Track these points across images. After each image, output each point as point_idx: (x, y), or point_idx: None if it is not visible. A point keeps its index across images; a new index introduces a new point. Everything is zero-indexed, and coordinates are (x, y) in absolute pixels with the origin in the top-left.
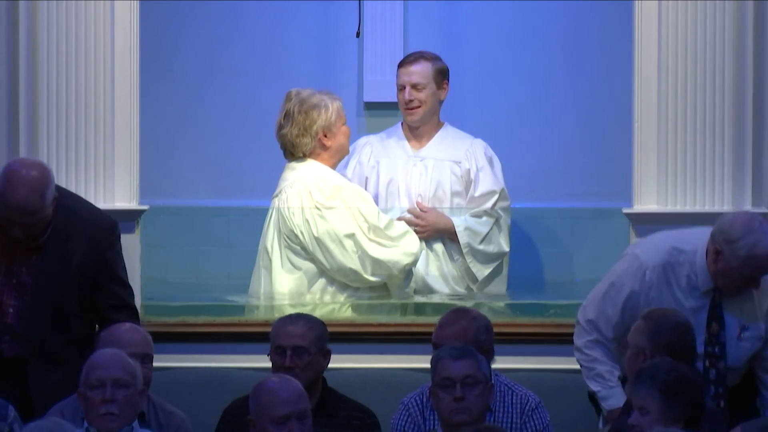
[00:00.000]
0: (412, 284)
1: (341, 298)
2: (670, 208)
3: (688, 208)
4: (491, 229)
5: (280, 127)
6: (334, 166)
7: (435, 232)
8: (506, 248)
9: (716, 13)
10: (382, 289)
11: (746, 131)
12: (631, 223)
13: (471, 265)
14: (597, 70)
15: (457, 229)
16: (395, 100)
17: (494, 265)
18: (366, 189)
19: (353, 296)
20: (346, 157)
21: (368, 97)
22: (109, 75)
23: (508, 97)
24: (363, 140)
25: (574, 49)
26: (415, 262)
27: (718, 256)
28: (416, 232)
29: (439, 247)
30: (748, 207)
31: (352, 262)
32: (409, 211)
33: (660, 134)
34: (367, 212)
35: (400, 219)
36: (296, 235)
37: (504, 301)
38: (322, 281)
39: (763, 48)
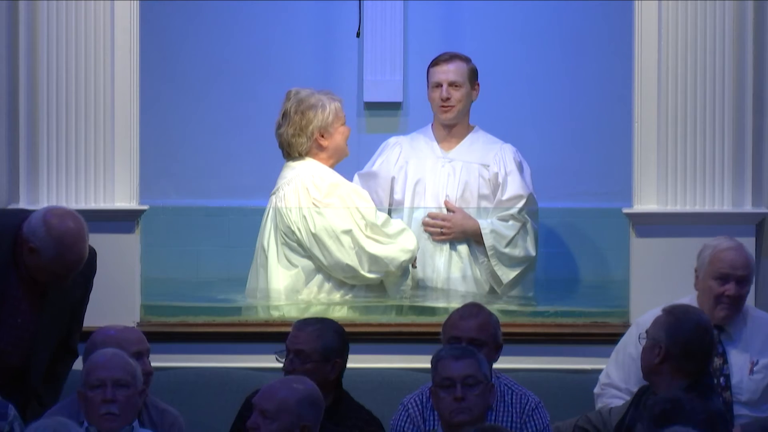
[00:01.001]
0: (408, 282)
1: (337, 295)
2: (670, 208)
3: (688, 208)
4: (517, 233)
5: (278, 126)
6: (332, 167)
7: (461, 233)
8: (533, 252)
9: (716, 13)
10: (378, 287)
11: (746, 131)
12: (631, 223)
13: (496, 268)
14: (597, 70)
15: (482, 231)
16: (395, 100)
17: (520, 269)
18: (393, 189)
19: (349, 293)
20: (375, 156)
21: (368, 97)
22: (109, 75)
23: (508, 97)
24: (393, 140)
25: (574, 49)
26: (411, 260)
27: (696, 275)
28: (442, 233)
29: (463, 248)
30: (748, 207)
31: (349, 259)
32: (430, 215)
33: (660, 134)
34: (365, 209)
35: (430, 215)
36: (293, 232)
37: (507, 307)
38: (318, 278)
39: (763, 48)
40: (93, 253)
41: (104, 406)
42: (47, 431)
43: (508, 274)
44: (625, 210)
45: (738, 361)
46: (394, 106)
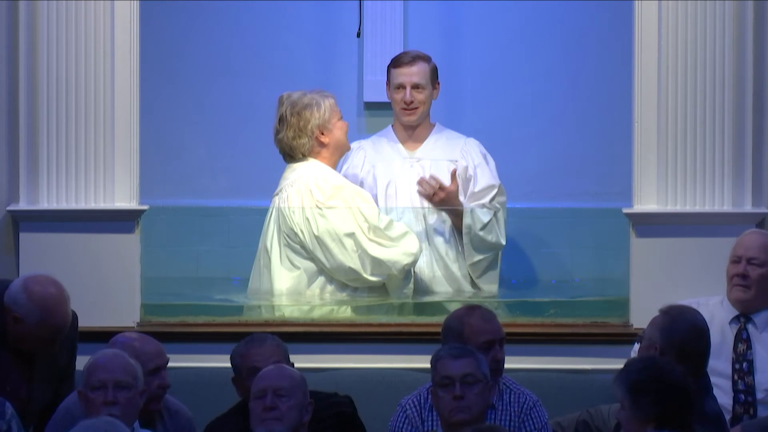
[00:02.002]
0: (411, 285)
1: (340, 297)
2: (670, 208)
3: (688, 208)
4: (491, 219)
5: (277, 132)
6: (335, 164)
7: (445, 203)
8: (503, 241)
9: (716, 13)
10: (380, 289)
11: (746, 131)
12: (631, 223)
13: (466, 248)
14: (597, 70)
15: (464, 210)
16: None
17: (488, 255)
18: None
19: (352, 296)
20: (339, 161)
21: (368, 97)
22: (109, 75)
23: (508, 97)
24: (355, 144)
25: (573, 48)
26: (414, 262)
27: (727, 267)
28: (433, 195)
29: (442, 248)
30: (748, 207)
31: (352, 262)
32: (433, 176)
33: (660, 134)
34: (368, 212)
35: (431, 177)
36: (296, 234)
37: (504, 300)
38: (320, 280)
39: (763, 48)
40: (75, 317)
41: (105, 408)
42: (98, 431)
43: (474, 256)
44: (625, 210)
45: (761, 351)
46: None
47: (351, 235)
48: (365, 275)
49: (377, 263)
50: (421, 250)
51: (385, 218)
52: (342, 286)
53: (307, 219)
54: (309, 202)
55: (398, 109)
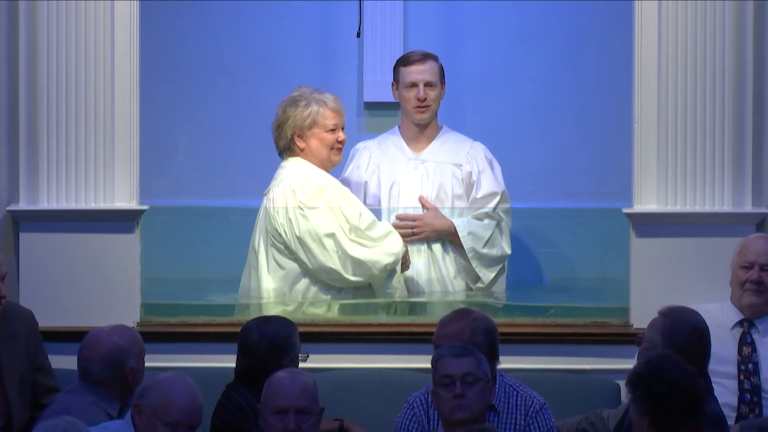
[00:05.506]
0: (396, 284)
1: (325, 298)
2: (670, 208)
3: (688, 208)
4: (493, 232)
5: None
6: (326, 168)
7: (433, 232)
8: (508, 251)
9: (716, 13)
10: (365, 289)
11: (746, 131)
12: (632, 223)
13: (477, 270)
14: (597, 71)
15: (460, 234)
16: (395, 100)
17: (498, 267)
18: (365, 193)
19: (337, 297)
20: (346, 163)
21: (368, 97)
22: (109, 75)
23: (508, 98)
24: (361, 145)
25: (574, 49)
26: (396, 262)
27: (731, 272)
28: (413, 233)
29: (437, 248)
30: (748, 207)
31: (332, 262)
32: (399, 216)
33: (660, 134)
34: (349, 213)
35: (398, 216)
36: (280, 234)
37: (503, 302)
38: (305, 281)
39: (763, 48)
40: (30, 313)
41: None
42: (56, 430)
43: (488, 275)
44: (625, 210)
45: (764, 354)
46: (394, 106)
47: (331, 235)
48: (346, 275)
49: (358, 264)
50: (403, 250)
51: (368, 218)
52: (326, 288)
53: (290, 219)
54: (292, 202)
55: (410, 108)
